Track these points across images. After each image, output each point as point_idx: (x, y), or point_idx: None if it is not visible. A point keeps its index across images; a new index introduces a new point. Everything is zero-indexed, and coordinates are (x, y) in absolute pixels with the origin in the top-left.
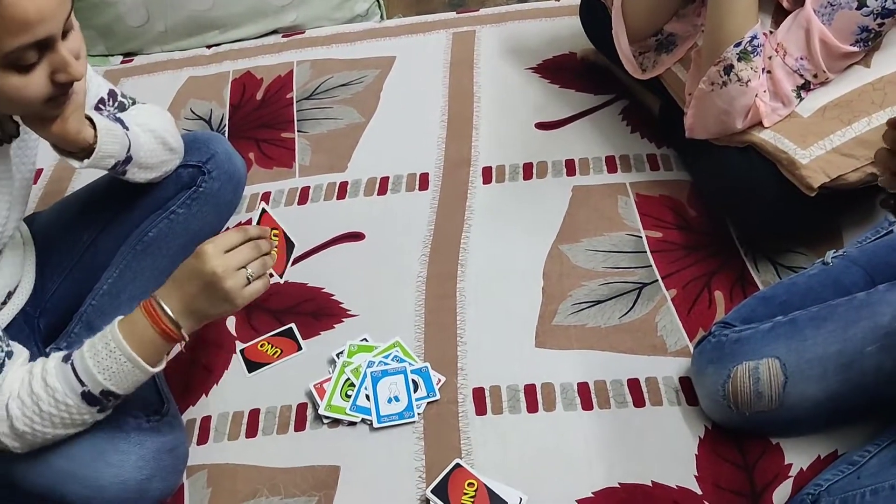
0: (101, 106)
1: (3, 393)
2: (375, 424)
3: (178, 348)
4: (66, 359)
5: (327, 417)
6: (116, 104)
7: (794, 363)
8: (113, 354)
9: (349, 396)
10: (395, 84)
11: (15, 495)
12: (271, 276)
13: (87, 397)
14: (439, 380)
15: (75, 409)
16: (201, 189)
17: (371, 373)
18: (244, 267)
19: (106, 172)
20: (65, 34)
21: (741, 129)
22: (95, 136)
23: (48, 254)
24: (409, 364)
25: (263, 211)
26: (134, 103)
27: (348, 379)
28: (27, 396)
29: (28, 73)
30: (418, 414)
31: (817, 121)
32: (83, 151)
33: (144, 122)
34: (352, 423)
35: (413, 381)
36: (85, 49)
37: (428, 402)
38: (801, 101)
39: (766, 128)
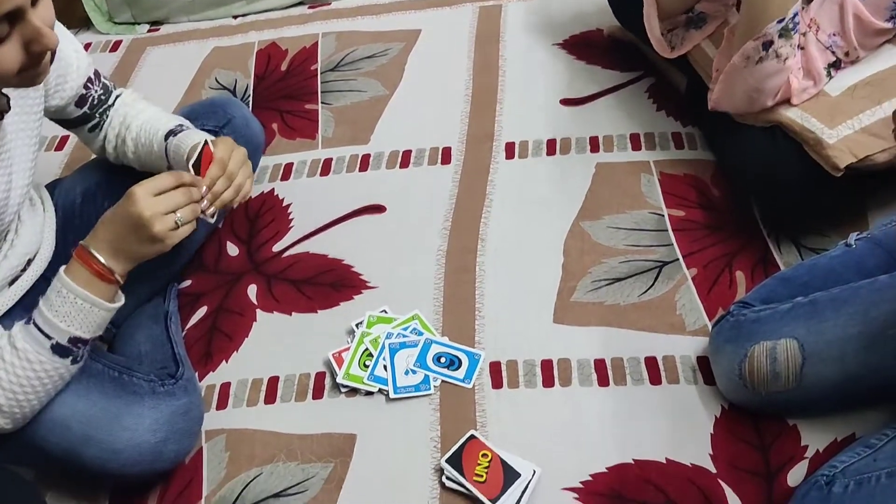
0: (89, 85)
1: None
2: (391, 395)
3: (201, 313)
4: (28, 321)
5: (345, 386)
6: (101, 84)
7: (812, 344)
8: (66, 299)
9: (367, 366)
10: (419, 57)
11: (38, 458)
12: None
13: (57, 349)
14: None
15: (49, 364)
16: None
17: (389, 344)
18: (174, 211)
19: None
20: (34, 2)
21: (769, 106)
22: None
23: (70, 220)
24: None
25: (206, 143)
26: (115, 87)
27: (367, 349)
28: (1, 370)
29: None
30: (434, 387)
31: (846, 100)
32: None
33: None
34: (369, 393)
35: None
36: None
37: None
38: (830, 79)
39: (794, 106)
